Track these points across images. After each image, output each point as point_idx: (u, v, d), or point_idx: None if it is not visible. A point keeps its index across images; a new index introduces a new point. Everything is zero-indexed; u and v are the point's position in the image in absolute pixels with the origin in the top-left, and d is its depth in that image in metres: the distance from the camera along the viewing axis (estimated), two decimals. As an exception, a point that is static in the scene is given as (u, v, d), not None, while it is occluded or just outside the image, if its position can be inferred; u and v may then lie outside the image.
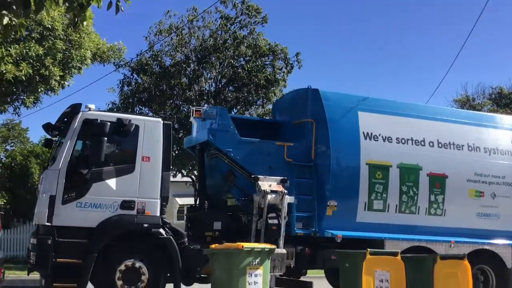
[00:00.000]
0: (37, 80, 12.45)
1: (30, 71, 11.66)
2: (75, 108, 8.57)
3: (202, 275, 9.52)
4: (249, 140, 9.86)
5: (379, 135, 10.33)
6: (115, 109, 19.46)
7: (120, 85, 19.93)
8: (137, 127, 8.66)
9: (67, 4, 4.87)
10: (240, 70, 19.46)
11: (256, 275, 6.99)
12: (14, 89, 12.14)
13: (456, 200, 10.71)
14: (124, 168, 8.66)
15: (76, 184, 8.27)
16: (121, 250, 8.44)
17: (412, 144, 10.59)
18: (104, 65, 16.02)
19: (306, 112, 10.47)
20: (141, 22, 51.92)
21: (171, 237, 8.69)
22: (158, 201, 8.71)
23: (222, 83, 19.89)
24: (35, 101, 13.92)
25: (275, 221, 9.41)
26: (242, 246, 7.04)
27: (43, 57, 12.06)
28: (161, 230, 8.65)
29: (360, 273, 8.18)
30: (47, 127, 8.69)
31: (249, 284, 6.92)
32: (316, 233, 9.76)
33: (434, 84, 60.32)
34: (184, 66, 19.59)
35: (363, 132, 10.22)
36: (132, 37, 52.10)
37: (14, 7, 4.45)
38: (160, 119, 9.01)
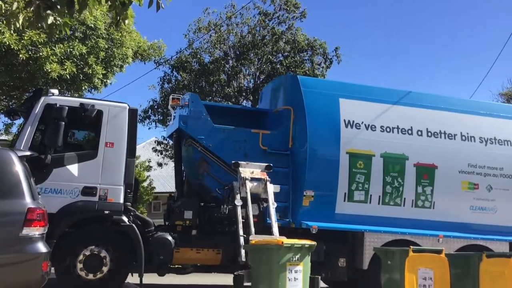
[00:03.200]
0: (81, 78, 12.79)
1: (74, 69, 11.96)
2: (37, 93, 8.48)
3: (176, 266, 9.31)
4: (222, 127, 9.56)
5: (362, 123, 9.84)
6: (155, 106, 20.01)
7: (161, 83, 20.45)
8: (100, 112, 8.49)
9: (109, 3, 4.97)
10: (278, 66, 19.49)
11: (296, 271, 6.85)
12: (59, 88, 12.44)
13: (447, 192, 10.10)
14: (86, 154, 8.51)
15: (36, 169, 8.15)
16: (82, 237, 8.30)
17: (398, 132, 10.04)
18: (145, 63, 16.38)
19: (285, 99, 10.11)
20: (180, 20, 52.59)
21: (133, 224, 8.48)
22: (122, 187, 8.51)
23: (261, 79, 19.91)
24: None
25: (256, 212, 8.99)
26: (282, 242, 6.82)
27: (86, 56, 12.37)
28: (123, 217, 8.45)
29: (403, 271, 7.70)
30: (8, 112, 8.64)
31: (289, 280, 6.77)
32: (291, 224, 9.36)
33: (479, 76, 58.43)
34: (222, 62, 19.79)
35: (344, 120, 9.76)
36: (171, 35, 52.90)
37: (58, 6, 4.56)
38: (125, 105, 8.80)
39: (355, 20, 58.67)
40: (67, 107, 8.10)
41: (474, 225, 10.22)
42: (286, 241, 6.99)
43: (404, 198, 9.88)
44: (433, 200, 10.02)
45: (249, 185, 8.52)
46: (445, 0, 58.09)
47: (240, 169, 8.69)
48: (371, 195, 9.71)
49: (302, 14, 20.08)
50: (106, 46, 13.02)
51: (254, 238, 7.55)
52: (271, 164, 8.92)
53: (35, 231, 6.05)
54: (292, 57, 19.44)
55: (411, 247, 7.84)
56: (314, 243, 7.22)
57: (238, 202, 8.34)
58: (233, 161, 8.86)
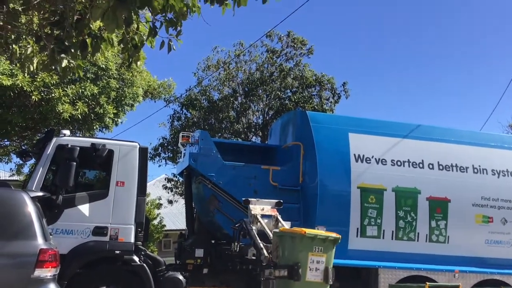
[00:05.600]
0: (92, 118, 13.00)
1: (86, 109, 12.17)
2: (49, 134, 8.56)
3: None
4: (232, 164, 9.57)
5: (372, 157, 9.81)
6: (165, 144, 20.07)
7: (171, 120, 20.62)
8: (111, 151, 8.54)
9: (122, 46, 5.08)
10: (287, 102, 19.67)
11: (318, 262, 6.73)
12: (71, 128, 12.64)
13: (461, 226, 9.95)
14: (97, 193, 8.51)
15: (48, 210, 8.15)
16: (93, 278, 8.20)
17: (409, 166, 9.98)
18: (155, 101, 16.63)
19: (294, 135, 10.14)
20: (189, 58, 53.43)
21: (144, 264, 8.41)
22: (132, 227, 8.48)
23: (270, 115, 20.08)
24: None
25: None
26: (305, 232, 6.78)
27: (97, 96, 12.60)
28: (134, 257, 8.39)
29: None
30: (20, 153, 8.71)
31: (310, 269, 6.63)
32: (303, 261, 9.20)
33: (489, 108, 58.39)
34: (231, 99, 20.00)
35: (354, 155, 9.73)
36: (181, 73, 53.68)
37: (72, 50, 4.66)
38: (136, 143, 8.86)
39: (363, 55, 59.31)
40: (78, 148, 8.15)
41: (490, 259, 10.03)
42: (309, 231, 6.88)
43: (418, 233, 9.74)
44: (447, 235, 9.86)
45: (260, 221, 8.41)
46: (451, 34, 58.68)
47: (251, 206, 8.61)
48: (384, 230, 9.59)
49: (309, 50, 20.36)
50: (117, 86, 13.23)
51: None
52: (281, 201, 8.85)
53: (47, 272, 6.01)
54: (300, 92, 19.60)
55: (427, 283, 7.69)
56: (339, 236, 7.04)
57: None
58: (243, 198, 8.80)
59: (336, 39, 57.53)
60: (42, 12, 4.48)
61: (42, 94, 11.45)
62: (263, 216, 8.50)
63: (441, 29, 58.57)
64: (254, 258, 8.08)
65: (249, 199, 8.67)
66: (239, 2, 3.93)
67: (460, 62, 60.04)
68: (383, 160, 9.85)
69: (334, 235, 7.03)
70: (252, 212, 8.42)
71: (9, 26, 4.52)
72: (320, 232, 7.11)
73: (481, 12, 56.16)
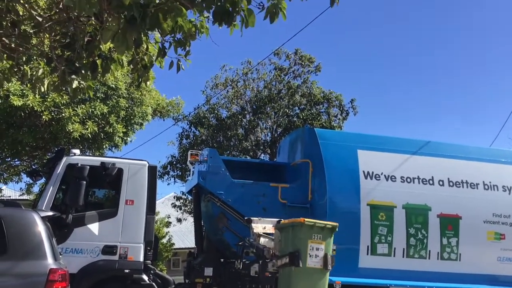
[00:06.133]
0: (102, 137, 13.10)
1: (96, 129, 12.29)
2: (59, 153, 8.63)
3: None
4: (241, 182, 9.58)
5: (381, 174, 9.76)
6: (174, 162, 20.17)
7: (179, 138, 20.68)
8: (120, 170, 8.59)
9: (131, 66, 5.17)
10: (295, 119, 19.68)
11: (317, 249, 6.94)
12: (81, 147, 12.78)
13: (473, 244, 9.84)
14: (106, 212, 8.54)
15: (58, 229, 8.18)
16: (103, 297, 8.20)
17: (419, 183, 9.92)
18: (164, 120, 16.71)
19: (303, 152, 10.13)
20: (198, 76, 53.78)
21: (153, 283, 8.39)
22: (142, 245, 8.47)
23: (278, 133, 20.12)
24: None
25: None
26: (304, 220, 6.97)
27: (107, 115, 12.72)
28: (144, 276, 8.38)
29: None
30: (30, 173, 8.78)
31: (310, 256, 6.83)
32: (313, 279, 9.14)
33: (498, 124, 58.02)
34: (240, 117, 20.08)
35: (363, 171, 9.70)
36: (189, 91, 54.04)
37: (82, 71, 4.72)
38: (145, 162, 8.90)
39: (371, 72, 59.42)
40: (88, 167, 8.21)
41: (502, 276, 9.90)
42: (308, 220, 7.04)
43: (429, 251, 9.64)
44: (459, 252, 9.76)
45: (262, 240, 8.44)
46: (457, 51, 58.69)
47: (253, 225, 8.64)
48: (394, 248, 9.50)
49: (316, 68, 20.43)
50: (127, 105, 13.34)
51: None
52: (282, 220, 8.85)
53: (57, 292, 5.99)
54: (308, 109, 19.63)
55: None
56: (336, 224, 7.20)
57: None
58: (245, 217, 8.82)
59: (343, 55, 57.75)
60: (53, 34, 4.55)
61: (53, 114, 11.56)
62: (265, 234, 8.55)
63: (448, 46, 58.65)
64: (256, 275, 8.09)
65: (251, 218, 8.71)
66: (247, 23, 3.96)
67: (468, 78, 59.95)
68: (393, 177, 9.80)
69: (331, 223, 7.17)
70: (254, 231, 8.46)
71: (21, 48, 4.60)
72: (318, 221, 7.20)
73: (487, 27, 56.23)
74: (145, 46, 5.01)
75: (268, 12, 4.43)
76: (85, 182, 8.10)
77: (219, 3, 3.68)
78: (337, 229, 7.16)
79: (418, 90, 60.88)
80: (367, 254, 9.39)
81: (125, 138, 14.08)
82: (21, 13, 4.43)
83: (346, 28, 58.01)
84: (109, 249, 8.28)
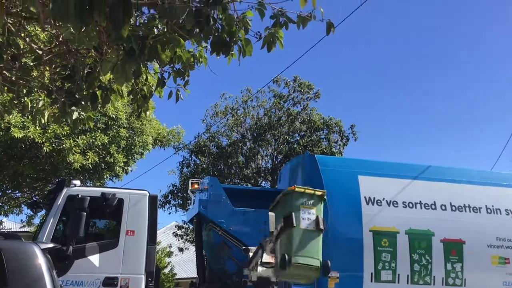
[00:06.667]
0: (103, 167, 13.11)
1: (96, 159, 12.35)
2: (59, 185, 8.63)
3: None
4: (242, 210, 9.54)
5: (383, 199, 9.71)
6: (175, 191, 20.08)
7: (180, 167, 20.74)
8: (120, 200, 8.58)
9: (131, 96, 5.23)
10: (295, 146, 19.78)
11: (309, 213, 7.21)
12: (81, 177, 12.80)
13: (477, 268, 9.71)
14: (107, 243, 8.49)
15: (58, 261, 8.11)
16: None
17: (421, 208, 9.86)
18: (164, 149, 16.74)
19: (304, 178, 10.09)
20: (198, 105, 54.04)
21: (154, 315, 8.28)
22: (143, 276, 8.39)
23: (279, 160, 20.18)
24: None
25: None
26: (295, 187, 7.32)
27: (108, 145, 12.75)
28: (145, 308, 8.27)
29: None
30: (31, 204, 8.77)
31: (303, 219, 7.11)
32: (317, 308, 9.03)
33: (499, 146, 58.03)
34: (240, 145, 20.18)
35: (365, 197, 9.65)
36: (190, 120, 54.30)
37: (82, 102, 4.77)
38: (146, 192, 8.90)
39: (370, 97, 59.76)
40: (88, 198, 8.19)
41: (509, 302, 9.74)
42: (298, 187, 7.34)
43: (434, 276, 9.51)
44: (464, 277, 9.62)
45: (259, 270, 8.35)
46: (458, 74, 59.15)
47: (250, 254, 8.58)
48: (399, 275, 9.37)
49: (316, 94, 20.63)
50: (127, 135, 13.40)
51: None
52: None
53: (57, 326, 5.91)
54: (308, 136, 19.72)
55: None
56: (324, 191, 7.40)
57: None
58: (243, 247, 8.77)
59: (342, 81, 58.18)
60: (53, 67, 4.61)
61: (53, 145, 11.61)
62: (263, 263, 8.46)
63: (447, 69, 59.13)
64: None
65: (249, 247, 8.65)
66: (244, 52, 4.01)
67: (469, 101, 60.24)
68: (395, 202, 9.75)
69: (320, 191, 7.39)
70: (253, 261, 8.39)
71: (21, 81, 4.64)
72: (308, 188, 7.46)
73: (486, 49, 56.80)
74: (145, 77, 5.06)
75: (265, 41, 4.50)
76: (85, 213, 8.06)
77: (216, 34, 3.74)
78: (325, 197, 7.42)
79: (417, 114, 61.13)
80: (371, 281, 9.27)
81: (126, 167, 14.12)
82: (21, 47, 4.49)
83: (345, 53, 58.61)
84: (110, 281, 8.19)
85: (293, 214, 6.94)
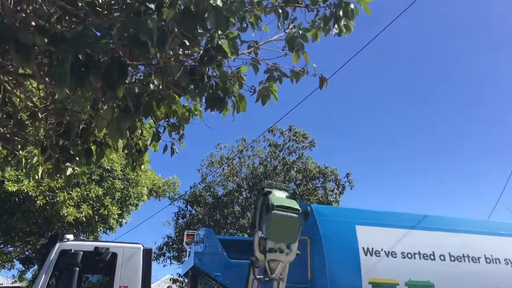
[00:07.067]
0: (97, 220, 12.96)
1: (90, 212, 12.21)
2: (52, 239, 8.49)
3: None
4: (238, 262, 9.34)
5: (381, 250, 9.58)
6: (170, 242, 19.81)
7: (175, 218, 20.51)
8: (114, 255, 8.42)
9: (126, 151, 5.22)
10: None
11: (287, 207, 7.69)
12: (75, 230, 12.64)
13: (479, 320, 9.50)
14: (100, 299, 8.28)
15: (49, 319, 7.89)
16: None
17: (420, 258, 9.72)
18: (159, 200, 16.58)
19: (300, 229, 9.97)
20: (193, 155, 53.94)
21: None
22: (137, 334, 8.13)
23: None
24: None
25: None
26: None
27: (102, 197, 12.61)
28: None
29: None
30: (23, 260, 8.59)
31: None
32: None
33: (495, 194, 57.92)
34: (236, 194, 20.12)
35: (363, 248, 9.52)
36: (185, 170, 54.10)
37: (77, 158, 4.77)
38: (140, 245, 8.75)
39: (366, 145, 60.04)
40: (81, 252, 8.04)
41: None
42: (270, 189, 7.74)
43: (435, 329, 9.28)
44: (465, 330, 9.39)
45: None
46: (453, 123, 59.76)
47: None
48: (400, 328, 9.14)
49: (311, 143, 20.75)
50: (122, 186, 13.31)
51: None
52: None
53: None
54: (304, 185, 19.69)
55: None
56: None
57: None
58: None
59: (337, 129, 58.59)
60: (48, 123, 4.62)
61: (47, 198, 11.51)
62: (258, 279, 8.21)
63: (443, 116, 59.81)
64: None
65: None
66: (239, 108, 4.06)
67: (469, 149, 60.59)
68: (393, 253, 9.62)
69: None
70: None
71: (16, 137, 4.65)
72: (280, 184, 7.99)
73: (472, 103, 57.64)
74: (140, 131, 5.08)
75: (259, 95, 4.55)
76: (78, 268, 7.90)
77: (211, 90, 3.78)
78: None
79: (412, 161, 61.26)
80: (372, 335, 9.02)
81: (120, 220, 13.96)
82: (17, 104, 4.53)
83: (339, 101, 59.31)
84: None
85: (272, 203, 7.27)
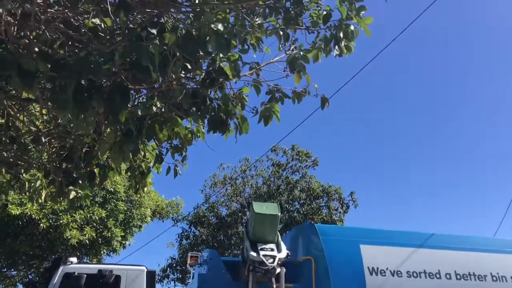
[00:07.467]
0: (100, 242, 12.92)
1: (94, 234, 12.16)
2: (56, 263, 8.46)
3: None
4: (242, 283, 9.25)
5: (387, 269, 9.49)
6: (174, 264, 19.67)
7: (179, 239, 20.35)
8: (118, 277, 8.37)
9: (129, 173, 5.25)
10: (295, 214, 19.51)
11: (266, 207, 9.43)
12: (78, 253, 12.61)
13: None
14: (104, 323, 8.20)
15: None
16: None
17: (426, 277, 9.61)
18: (163, 221, 16.54)
19: (305, 249, 9.90)
20: (196, 175, 53.83)
21: None
22: None
23: (279, 229, 19.82)
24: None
25: None
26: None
27: (105, 219, 12.61)
28: None
29: None
30: (27, 284, 8.54)
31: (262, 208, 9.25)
32: None
33: (500, 212, 57.31)
34: (240, 214, 19.92)
35: (368, 267, 9.43)
36: (188, 190, 53.97)
37: (80, 181, 4.77)
38: (143, 267, 8.71)
39: (369, 163, 59.86)
40: (85, 275, 8.01)
41: None
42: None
43: None
44: None
45: None
46: (456, 137, 59.63)
47: None
48: None
49: (314, 162, 20.69)
50: (125, 208, 13.29)
51: None
52: None
53: None
54: (308, 204, 19.59)
55: None
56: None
57: None
58: None
59: (340, 147, 58.51)
60: (51, 147, 4.64)
61: (50, 221, 11.49)
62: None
63: (446, 132, 59.70)
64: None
65: None
66: (241, 130, 4.07)
67: (469, 166, 60.36)
68: (399, 272, 9.52)
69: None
70: None
71: (19, 162, 4.67)
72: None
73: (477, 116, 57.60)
74: (143, 153, 5.09)
75: (261, 116, 4.57)
76: (81, 292, 7.85)
77: (213, 113, 3.80)
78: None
79: (417, 179, 60.99)
80: None
81: (124, 241, 13.89)
82: (20, 128, 4.55)
83: (341, 120, 59.35)
84: None
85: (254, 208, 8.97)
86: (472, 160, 56.79)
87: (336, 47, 4.14)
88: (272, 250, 8.93)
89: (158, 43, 2.72)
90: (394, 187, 58.17)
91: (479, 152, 56.02)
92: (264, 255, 8.73)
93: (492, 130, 54.21)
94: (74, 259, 8.57)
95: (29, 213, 10.81)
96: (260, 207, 9.23)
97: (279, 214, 9.25)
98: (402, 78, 54.51)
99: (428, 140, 57.11)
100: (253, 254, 8.80)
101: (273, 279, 8.79)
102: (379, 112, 55.35)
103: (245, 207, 20.26)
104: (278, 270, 8.82)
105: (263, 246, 8.97)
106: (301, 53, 4.32)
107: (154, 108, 3.96)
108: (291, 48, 4.44)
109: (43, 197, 4.87)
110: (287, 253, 9.09)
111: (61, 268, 8.33)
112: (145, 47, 2.57)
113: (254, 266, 8.80)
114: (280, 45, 4.36)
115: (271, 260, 8.73)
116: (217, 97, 3.83)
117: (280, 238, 9.33)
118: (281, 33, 4.24)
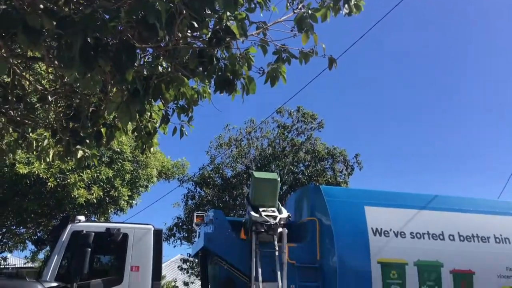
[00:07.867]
0: (107, 201, 13.08)
1: (101, 193, 12.31)
2: (64, 221, 8.58)
3: None
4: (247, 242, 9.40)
5: (390, 230, 9.60)
6: (180, 223, 19.97)
7: (185, 200, 20.56)
8: (125, 235, 8.50)
9: (135, 133, 5.25)
10: (300, 176, 19.64)
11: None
12: (86, 212, 12.79)
13: (489, 299, 9.52)
14: (112, 280, 8.36)
15: (62, 299, 8.00)
16: None
17: (429, 238, 9.73)
18: (169, 181, 16.70)
19: (309, 210, 10.02)
20: (202, 137, 54.08)
21: None
22: (148, 313, 8.25)
23: (284, 190, 20.02)
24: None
25: None
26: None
27: (112, 179, 12.73)
28: None
29: None
30: (35, 241, 8.70)
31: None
32: None
33: (505, 174, 57.45)
34: (245, 176, 20.02)
35: (372, 228, 9.54)
36: (194, 152, 54.35)
37: (87, 141, 4.80)
38: (150, 226, 8.83)
39: (374, 125, 59.81)
40: (93, 233, 8.12)
41: (521, 334, 9.52)
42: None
43: (444, 308, 9.32)
44: (475, 309, 9.43)
45: None
46: (464, 102, 59.30)
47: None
48: (408, 307, 9.19)
49: (319, 124, 20.64)
50: (132, 168, 13.38)
51: None
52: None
53: None
54: (313, 166, 19.65)
55: None
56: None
57: None
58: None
59: (346, 109, 58.36)
60: (58, 106, 4.64)
61: (58, 180, 11.60)
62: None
63: (454, 95, 59.32)
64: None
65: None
66: (248, 90, 4.04)
67: (475, 126, 60.22)
68: (402, 233, 9.63)
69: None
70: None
71: (26, 121, 4.67)
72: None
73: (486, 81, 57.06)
74: (149, 114, 5.09)
75: (268, 76, 4.52)
76: (90, 249, 7.98)
77: (220, 73, 3.76)
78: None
79: (424, 141, 61.04)
80: (381, 315, 9.08)
81: (130, 201, 14.06)
82: (27, 87, 4.54)
83: (348, 82, 58.98)
84: (114, 319, 8.06)
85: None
86: (482, 122, 56.58)
87: (346, 5, 4.06)
88: (273, 211, 9.26)
89: (164, 0, 2.68)
90: (399, 147, 58.20)
91: (489, 116, 55.76)
92: (266, 215, 9.06)
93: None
94: (82, 218, 8.69)
95: (36, 172, 10.91)
96: (260, 174, 9.90)
97: (278, 178, 9.64)
98: (413, 37, 53.71)
99: (439, 104, 56.77)
100: (255, 214, 9.06)
101: (275, 237, 8.95)
102: (386, 74, 54.85)
103: (250, 168, 20.38)
104: (280, 229, 9.01)
105: (265, 209, 9.26)
106: (309, 12, 4.23)
107: (160, 68, 3.93)
108: (299, 6, 4.35)
109: (50, 156, 4.90)
110: (288, 214, 9.34)
111: (69, 226, 8.45)
112: (151, 4, 2.53)
113: (256, 227, 8.95)
114: (288, 4, 4.27)
115: (272, 220, 8.98)
116: (224, 56, 3.78)
117: (281, 205, 9.68)
118: (289, -9, 4.15)
